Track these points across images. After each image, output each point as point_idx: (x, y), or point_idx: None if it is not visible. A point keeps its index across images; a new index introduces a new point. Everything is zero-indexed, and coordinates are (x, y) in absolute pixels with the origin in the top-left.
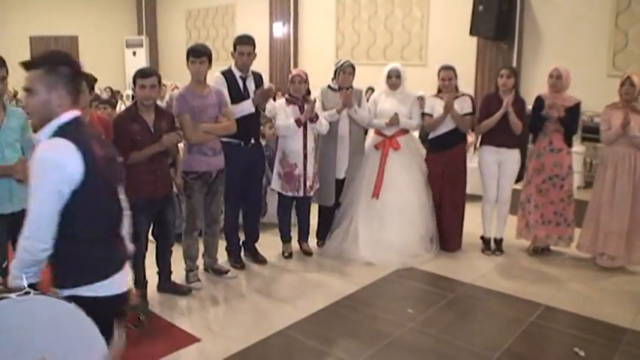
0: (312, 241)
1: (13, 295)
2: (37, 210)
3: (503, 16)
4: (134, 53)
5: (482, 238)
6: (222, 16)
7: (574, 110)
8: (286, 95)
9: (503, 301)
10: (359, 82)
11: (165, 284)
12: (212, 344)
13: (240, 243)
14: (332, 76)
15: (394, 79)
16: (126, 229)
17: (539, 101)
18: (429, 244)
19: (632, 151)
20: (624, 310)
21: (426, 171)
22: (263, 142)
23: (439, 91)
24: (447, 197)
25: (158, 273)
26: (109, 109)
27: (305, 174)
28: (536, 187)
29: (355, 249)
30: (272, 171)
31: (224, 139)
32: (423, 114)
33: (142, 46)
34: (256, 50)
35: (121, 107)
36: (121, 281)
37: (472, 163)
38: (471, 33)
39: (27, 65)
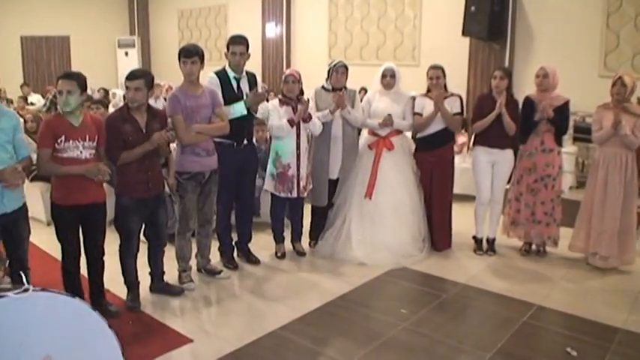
0: (305, 242)
1: (11, 294)
2: None
3: (496, 16)
4: (126, 53)
5: (474, 238)
6: (214, 16)
7: (563, 109)
8: (279, 96)
9: (496, 301)
10: (351, 83)
11: (158, 285)
12: (205, 345)
13: (233, 243)
14: (326, 76)
15: (389, 79)
16: None
17: (527, 101)
18: (421, 244)
19: (623, 151)
20: (616, 309)
21: (418, 171)
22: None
23: (428, 90)
24: (436, 196)
25: (150, 274)
26: (102, 109)
27: (298, 175)
28: (527, 187)
29: (348, 249)
30: (263, 171)
31: (217, 140)
32: (414, 113)
33: (134, 46)
34: (250, 50)
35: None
36: None
37: (464, 163)
38: (464, 33)
39: None
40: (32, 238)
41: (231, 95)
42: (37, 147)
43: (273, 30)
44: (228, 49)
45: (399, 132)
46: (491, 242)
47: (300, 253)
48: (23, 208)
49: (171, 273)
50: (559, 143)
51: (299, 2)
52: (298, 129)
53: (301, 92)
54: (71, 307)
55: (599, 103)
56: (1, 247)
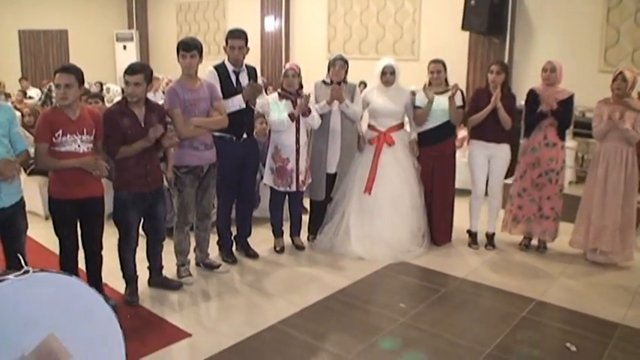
0: (304, 236)
1: (11, 276)
2: None
3: (495, 10)
4: (124, 47)
5: (468, 232)
6: (213, 9)
7: (568, 102)
8: (278, 90)
9: (495, 295)
10: (351, 77)
11: (156, 279)
12: (203, 339)
13: (232, 237)
14: (326, 70)
15: (388, 76)
16: None
17: (532, 94)
18: (420, 239)
19: (624, 146)
20: (616, 305)
21: (418, 167)
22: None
23: (429, 84)
24: (437, 191)
25: (149, 268)
26: (100, 102)
27: (297, 169)
28: (532, 182)
29: (347, 244)
30: (263, 166)
31: (217, 134)
32: (414, 107)
33: (132, 39)
34: (248, 44)
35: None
36: None
37: (465, 157)
38: (463, 27)
39: None
40: (30, 233)
41: (230, 89)
42: (35, 141)
43: (272, 24)
44: (226, 43)
45: (399, 127)
46: (490, 237)
47: (299, 248)
48: (21, 203)
49: (169, 267)
50: (562, 138)
51: None
52: (298, 123)
53: (300, 86)
54: (70, 286)
55: (600, 99)
56: None
